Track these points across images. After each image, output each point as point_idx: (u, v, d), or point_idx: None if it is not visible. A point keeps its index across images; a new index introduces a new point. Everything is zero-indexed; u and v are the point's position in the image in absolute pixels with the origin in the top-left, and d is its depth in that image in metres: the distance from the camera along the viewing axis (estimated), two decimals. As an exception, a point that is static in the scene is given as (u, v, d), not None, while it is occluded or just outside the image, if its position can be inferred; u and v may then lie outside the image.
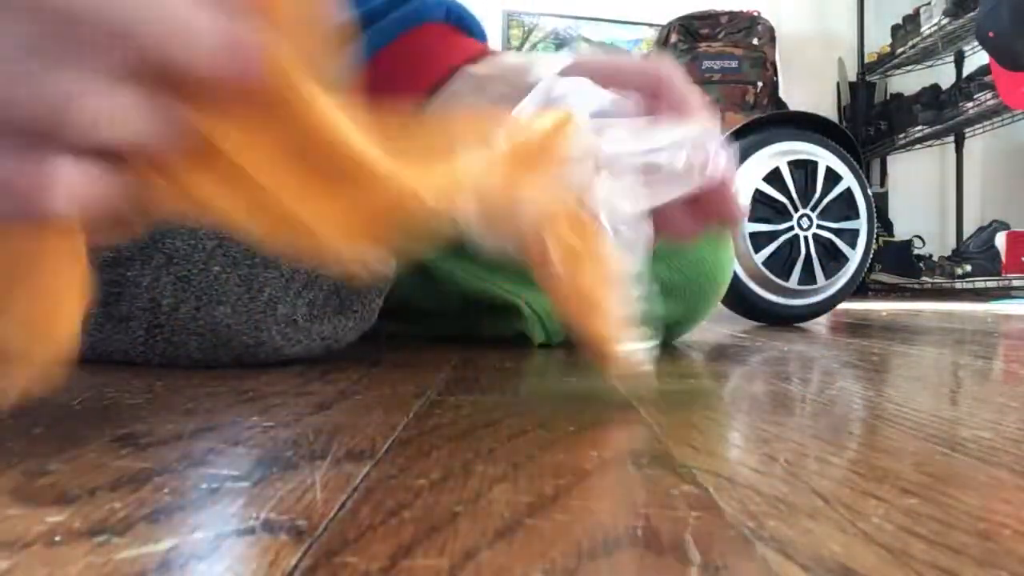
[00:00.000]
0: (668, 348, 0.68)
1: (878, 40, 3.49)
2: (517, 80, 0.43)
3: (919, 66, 3.42)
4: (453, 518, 0.19)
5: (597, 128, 0.34)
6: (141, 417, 0.31)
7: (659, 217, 0.36)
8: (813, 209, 1.11)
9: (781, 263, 1.09)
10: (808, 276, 1.10)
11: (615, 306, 0.33)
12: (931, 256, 3.29)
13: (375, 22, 0.53)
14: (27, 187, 0.21)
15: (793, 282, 1.09)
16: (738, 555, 0.17)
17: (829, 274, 1.11)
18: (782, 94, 2.97)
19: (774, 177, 1.09)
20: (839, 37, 3.55)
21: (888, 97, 3.54)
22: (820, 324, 1.14)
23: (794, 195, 1.10)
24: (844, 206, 1.12)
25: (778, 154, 1.10)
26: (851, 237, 1.12)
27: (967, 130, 3.31)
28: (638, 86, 0.39)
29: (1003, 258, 2.90)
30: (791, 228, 1.10)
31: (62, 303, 0.24)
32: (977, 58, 3.09)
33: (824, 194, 1.11)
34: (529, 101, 0.35)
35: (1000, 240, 2.96)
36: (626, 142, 0.34)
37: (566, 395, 0.37)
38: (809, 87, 3.38)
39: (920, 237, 3.36)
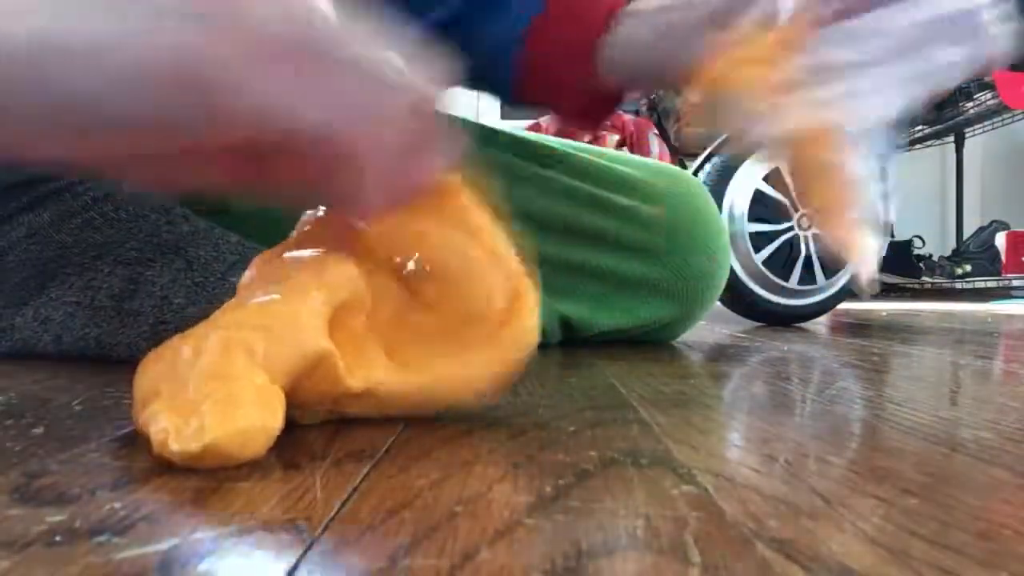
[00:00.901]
0: (668, 348, 0.68)
1: (878, 40, 3.49)
2: (686, 2, 0.42)
3: (919, 66, 3.41)
4: (453, 518, 0.19)
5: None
6: (141, 417, 0.30)
7: None
8: (813, 209, 1.11)
9: (781, 263, 1.09)
10: (808, 276, 1.10)
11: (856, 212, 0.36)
12: (931, 256, 3.29)
13: None
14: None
15: (793, 282, 1.09)
16: (738, 555, 0.17)
17: (829, 274, 1.11)
18: (782, 94, 2.96)
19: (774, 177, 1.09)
20: (839, 37, 3.55)
21: (888, 97, 3.54)
22: (820, 324, 1.14)
23: (794, 195, 1.10)
24: (844, 206, 1.12)
25: (778, 154, 1.10)
26: (851, 237, 1.12)
27: (967, 130, 3.31)
28: None
29: (1003, 258, 2.90)
30: (791, 228, 1.10)
31: None
32: (977, 58, 3.08)
33: (824, 194, 1.11)
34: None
35: (1000, 240, 2.96)
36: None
37: (566, 395, 0.37)
38: (809, 87, 3.37)
39: (920, 237, 3.36)
